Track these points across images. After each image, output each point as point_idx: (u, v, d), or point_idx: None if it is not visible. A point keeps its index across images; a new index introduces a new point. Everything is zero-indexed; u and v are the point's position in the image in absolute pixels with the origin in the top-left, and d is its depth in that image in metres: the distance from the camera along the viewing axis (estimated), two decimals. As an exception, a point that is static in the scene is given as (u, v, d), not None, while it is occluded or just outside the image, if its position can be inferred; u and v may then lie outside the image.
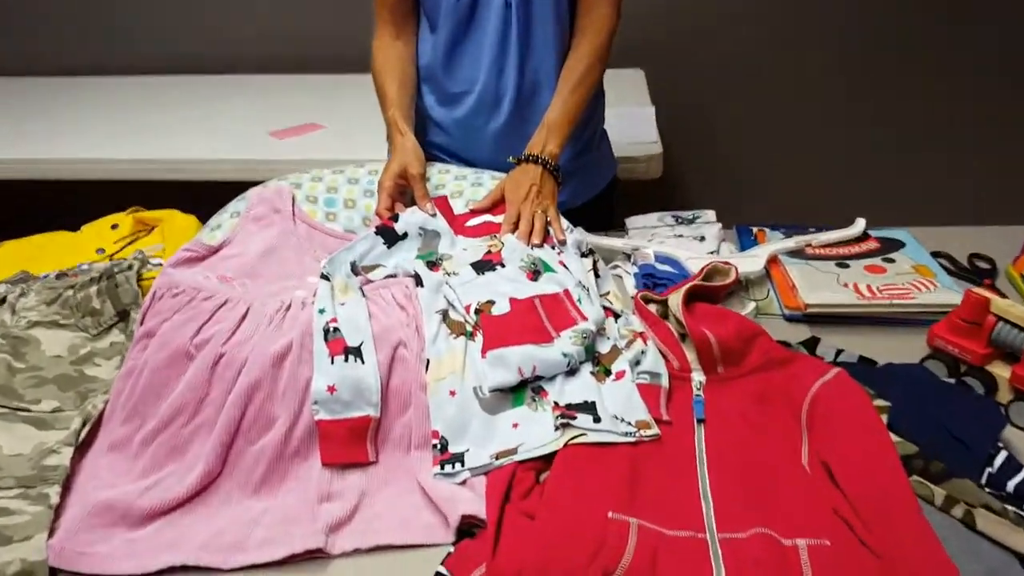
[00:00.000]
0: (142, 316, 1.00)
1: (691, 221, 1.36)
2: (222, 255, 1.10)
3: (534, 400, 0.91)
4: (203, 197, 1.44)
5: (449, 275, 1.06)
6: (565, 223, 1.19)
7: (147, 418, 0.90)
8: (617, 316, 1.07)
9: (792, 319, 1.14)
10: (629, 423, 0.88)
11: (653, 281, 1.19)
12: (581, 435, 0.85)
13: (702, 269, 1.07)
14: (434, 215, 1.17)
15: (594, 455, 0.84)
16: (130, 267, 1.12)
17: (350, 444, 0.87)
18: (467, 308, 1.01)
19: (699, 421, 0.90)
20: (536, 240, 1.12)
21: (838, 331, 1.11)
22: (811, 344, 1.06)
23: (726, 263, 1.07)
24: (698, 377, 0.96)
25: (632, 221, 1.38)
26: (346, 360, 0.90)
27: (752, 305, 1.13)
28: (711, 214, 1.38)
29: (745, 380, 0.94)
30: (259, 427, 0.88)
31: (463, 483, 0.84)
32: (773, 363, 0.94)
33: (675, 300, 1.01)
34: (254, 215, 1.18)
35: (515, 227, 1.15)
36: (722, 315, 0.99)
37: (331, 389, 0.88)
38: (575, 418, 0.87)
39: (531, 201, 1.16)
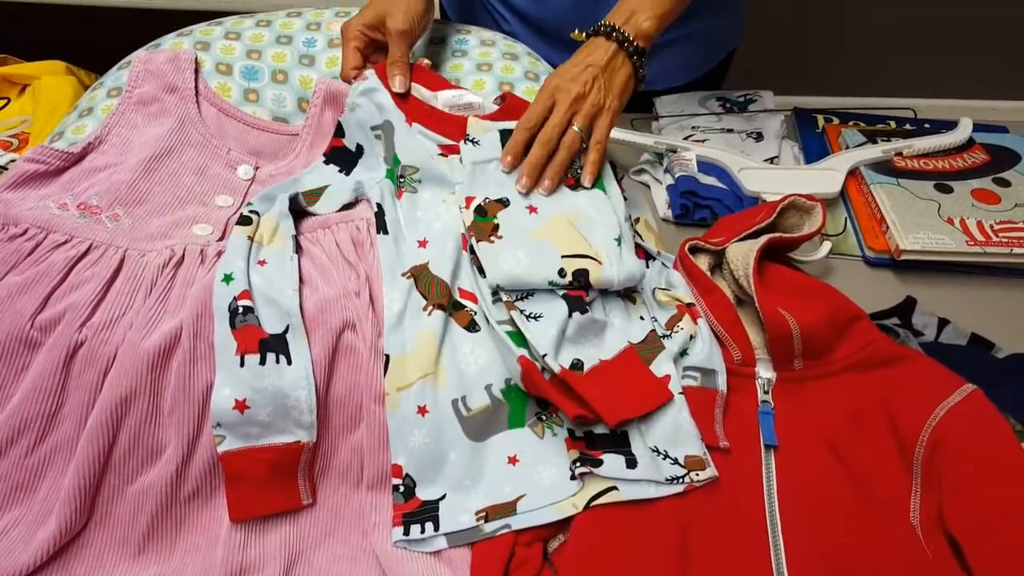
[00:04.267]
0: (-32, 266, 0.68)
1: (744, 106, 1.02)
2: (88, 165, 0.75)
3: (541, 420, 0.64)
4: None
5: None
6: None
7: (-25, 437, 0.62)
8: (650, 258, 0.78)
9: (876, 264, 0.86)
10: (676, 460, 0.62)
11: (694, 202, 0.88)
12: (609, 491, 0.59)
13: (774, 205, 0.76)
14: (405, 94, 0.81)
15: (627, 518, 0.59)
16: (-41, 174, 0.78)
17: (273, 485, 0.60)
18: (468, 202, 0.73)
19: (767, 447, 0.65)
20: (542, 186, 0.76)
21: (935, 283, 0.84)
22: (905, 310, 0.79)
23: (810, 198, 0.76)
24: (765, 374, 0.69)
25: (664, 103, 1.03)
26: (262, 360, 0.61)
27: (827, 247, 0.83)
28: (768, 96, 1.03)
29: (831, 383, 0.68)
30: (138, 458, 0.61)
31: (436, 553, 0.59)
32: (874, 362, 0.67)
33: (742, 258, 0.71)
34: (139, 96, 0.82)
35: (524, 143, 0.77)
36: (809, 289, 0.70)
37: (241, 405, 0.59)
38: (600, 462, 0.60)
39: (572, 101, 0.76)
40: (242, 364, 0.60)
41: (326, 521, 0.61)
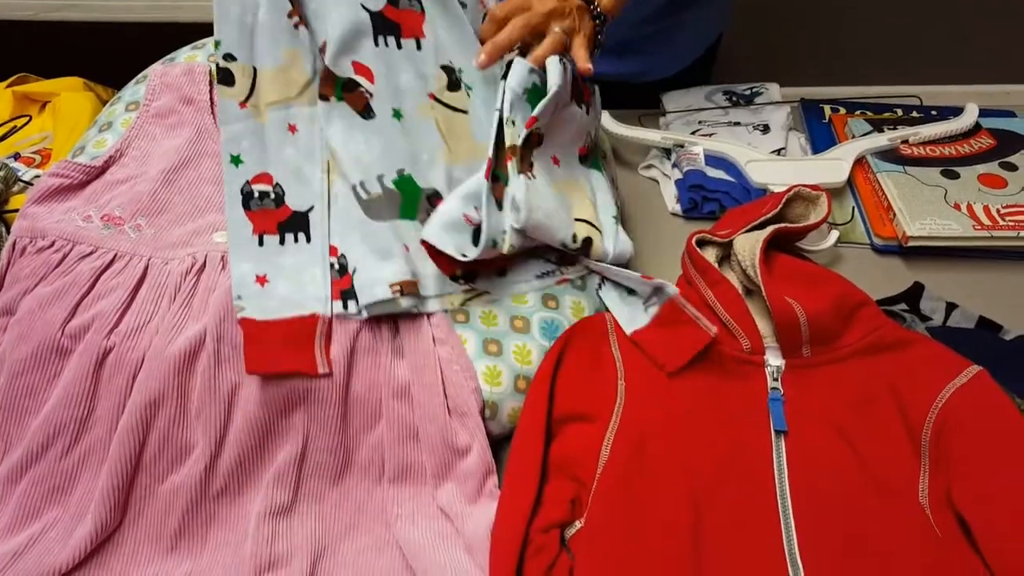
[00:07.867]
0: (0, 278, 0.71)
1: (749, 99, 1.03)
2: (110, 178, 0.78)
3: (429, 216, 0.67)
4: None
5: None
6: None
7: (12, 442, 0.64)
8: None
9: (884, 251, 0.87)
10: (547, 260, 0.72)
11: (703, 195, 0.90)
12: (482, 295, 0.67)
13: (780, 196, 0.77)
14: None
15: (641, 503, 0.60)
16: (-13, 190, 0.81)
17: (290, 347, 0.63)
18: (530, 122, 0.67)
19: (778, 433, 0.66)
20: (535, 59, 0.67)
21: (943, 268, 0.85)
22: (913, 296, 0.80)
23: (815, 188, 0.77)
24: (774, 361, 0.70)
25: (670, 99, 1.05)
26: (282, 240, 0.64)
27: (834, 235, 0.85)
28: (774, 89, 1.05)
29: (838, 368, 0.69)
30: (168, 458, 0.63)
31: (458, 541, 0.60)
32: (880, 347, 0.69)
33: (749, 249, 0.72)
34: (156, 109, 0.85)
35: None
36: (815, 277, 0.71)
37: (261, 280, 0.63)
38: (474, 276, 0.68)
39: (548, 12, 0.69)
40: (261, 243, 0.64)
41: (350, 515, 0.63)
